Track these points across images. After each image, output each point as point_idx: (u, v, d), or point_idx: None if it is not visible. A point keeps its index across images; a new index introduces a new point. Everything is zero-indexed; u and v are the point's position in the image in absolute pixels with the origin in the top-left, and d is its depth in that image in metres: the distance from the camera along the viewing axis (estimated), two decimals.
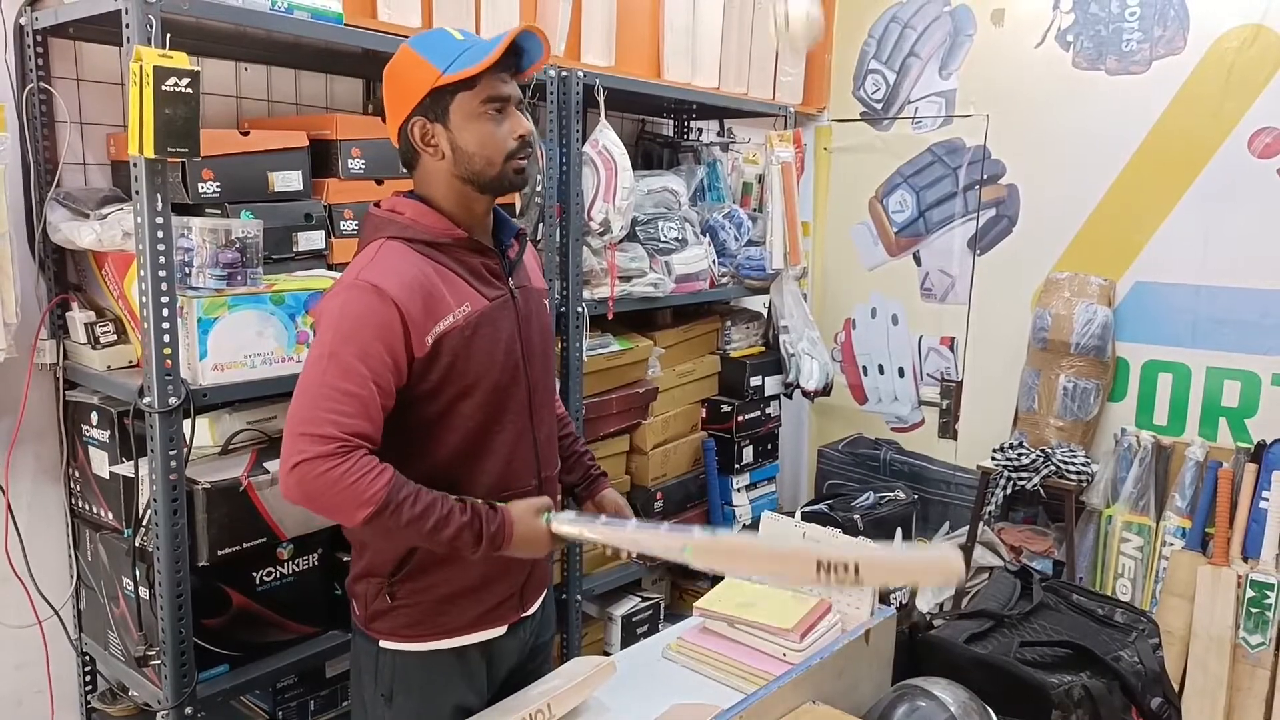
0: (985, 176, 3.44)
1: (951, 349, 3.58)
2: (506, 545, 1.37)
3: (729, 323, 3.18)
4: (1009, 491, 3.03)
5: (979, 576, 3.12)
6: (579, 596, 2.60)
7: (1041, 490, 2.99)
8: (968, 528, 3.17)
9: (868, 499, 2.73)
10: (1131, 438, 3.06)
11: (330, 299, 1.36)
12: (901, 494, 2.85)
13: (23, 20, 1.87)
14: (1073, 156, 3.22)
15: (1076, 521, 3.03)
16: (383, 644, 1.49)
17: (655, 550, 1.39)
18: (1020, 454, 3.03)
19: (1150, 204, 3.09)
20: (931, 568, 1.34)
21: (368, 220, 1.46)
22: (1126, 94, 3.10)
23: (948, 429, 3.60)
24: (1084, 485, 3.00)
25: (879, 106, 3.70)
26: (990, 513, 3.09)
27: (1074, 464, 2.99)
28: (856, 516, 2.57)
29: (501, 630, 1.54)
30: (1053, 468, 2.99)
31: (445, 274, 1.39)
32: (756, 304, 3.37)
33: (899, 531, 2.74)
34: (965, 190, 3.49)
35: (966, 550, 3.11)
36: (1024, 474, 2.99)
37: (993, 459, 3.10)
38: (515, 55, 1.40)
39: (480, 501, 1.37)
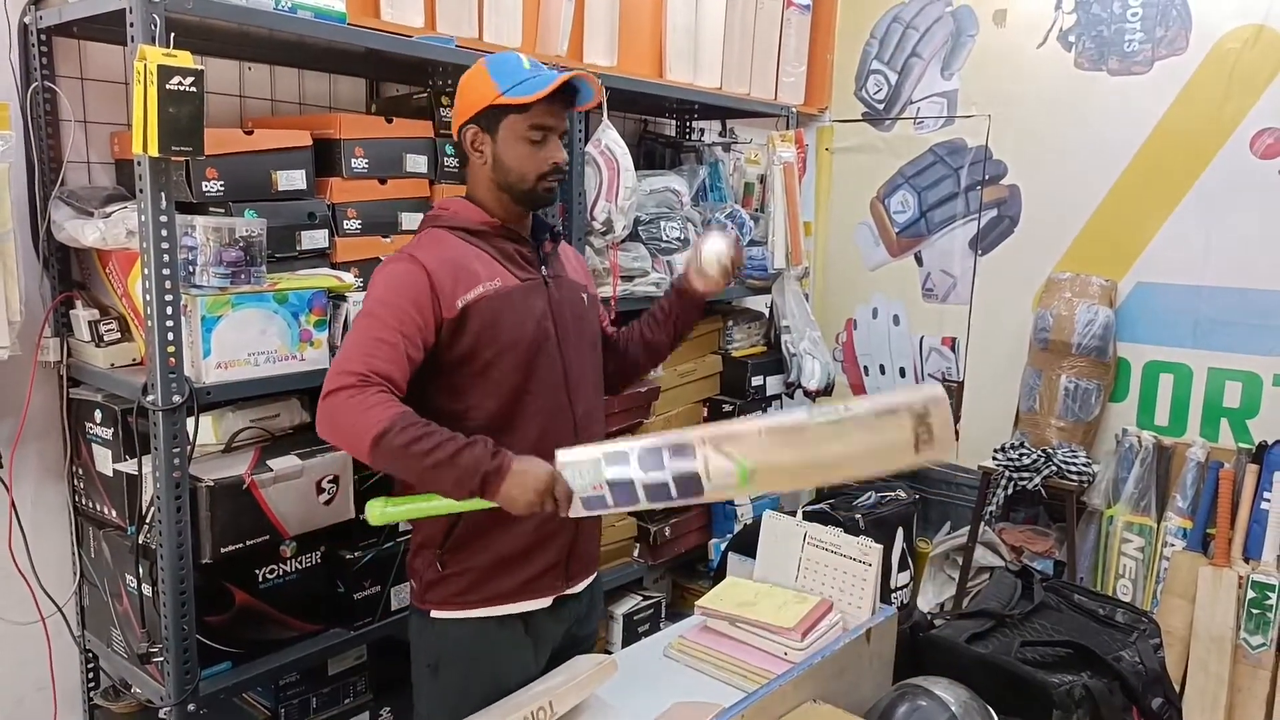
0: (987, 177, 3.44)
1: (953, 349, 3.59)
2: (504, 473, 1.37)
3: (730, 322, 3.18)
4: (1010, 492, 3.03)
5: (980, 577, 3.12)
6: None
7: (1043, 490, 2.99)
8: (969, 528, 3.17)
9: (869, 498, 2.73)
10: (1133, 438, 3.06)
11: (377, 270, 1.57)
12: (903, 494, 2.85)
13: (27, 19, 1.87)
14: (1074, 157, 3.22)
15: (1078, 522, 3.03)
16: (433, 614, 1.62)
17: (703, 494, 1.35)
18: (1021, 454, 3.04)
19: (1152, 205, 3.09)
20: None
21: (424, 217, 1.70)
22: (1128, 94, 3.10)
23: None
24: (1085, 486, 3.00)
25: (881, 107, 3.70)
26: (991, 513, 3.09)
27: (1075, 464, 2.99)
28: (858, 516, 2.57)
29: (546, 602, 1.65)
30: (1054, 468, 2.99)
31: (480, 255, 1.58)
32: (758, 304, 3.37)
33: (900, 531, 2.74)
34: (967, 191, 3.49)
35: (968, 550, 3.12)
36: (1025, 474, 2.99)
37: (994, 459, 3.10)
38: (570, 92, 1.59)
39: (491, 442, 1.42)
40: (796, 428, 1.33)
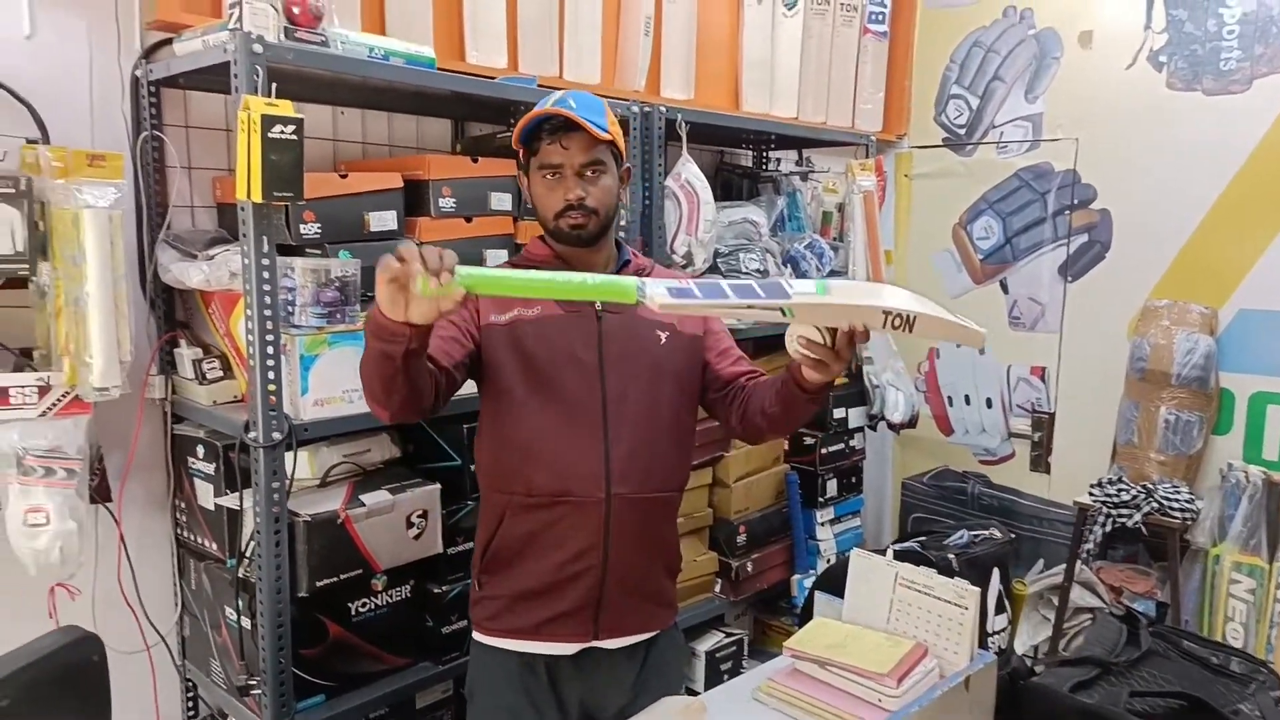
0: (1075, 201, 3.35)
1: (1043, 379, 3.48)
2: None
3: None
4: (1108, 529, 2.91)
5: (1078, 617, 2.99)
6: None
7: (1143, 528, 2.87)
8: (1064, 566, 3.05)
9: (961, 537, 2.64)
10: (1239, 473, 2.91)
11: None
12: (997, 532, 2.74)
13: (138, 72, 1.97)
14: (1168, 179, 3.11)
15: (1181, 561, 2.89)
16: (474, 635, 1.67)
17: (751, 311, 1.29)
18: (1120, 490, 2.91)
19: (1253, 228, 2.96)
20: (967, 336, 1.38)
21: None
22: (1225, 114, 2.99)
23: (1040, 462, 3.49)
24: (1189, 523, 2.86)
25: (962, 132, 3.64)
26: (1089, 551, 2.97)
27: (1177, 500, 2.86)
28: (951, 556, 2.48)
29: (569, 649, 1.61)
30: (1155, 504, 2.86)
31: None
32: None
33: (995, 572, 2.63)
34: (1055, 216, 3.40)
35: (1064, 590, 3.00)
36: (1124, 511, 2.87)
37: (1090, 495, 2.98)
38: (572, 125, 1.53)
39: None
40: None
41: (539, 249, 1.66)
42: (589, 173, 1.57)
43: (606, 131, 1.55)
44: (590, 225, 1.58)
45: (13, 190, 1.65)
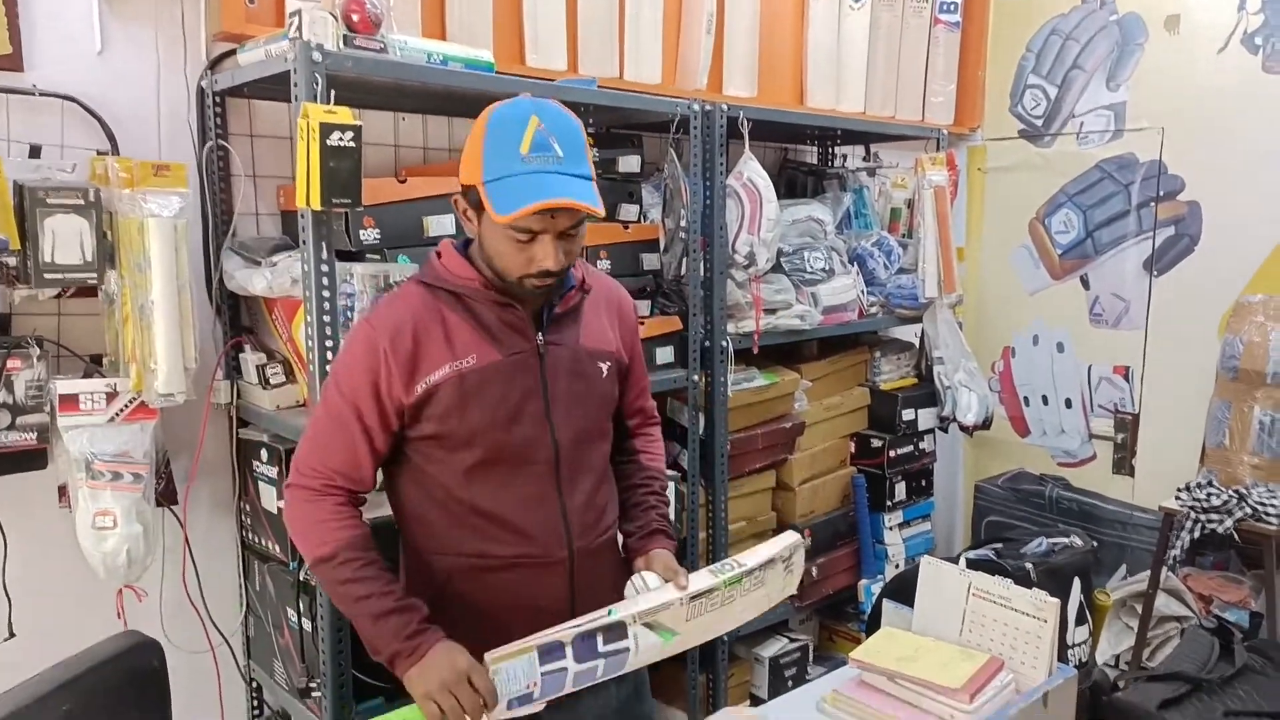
0: (1161, 193, 3.19)
1: (1126, 378, 3.32)
2: (415, 657, 1.31)
3: (878, 354, 3.06)
4: (1196, 535, 2.76)
5: (1163, 626, 2.85)
6: (724, 636, 2.54)
7: (1235, 534, 2.71)
8: (1148, 573, 2.90)
9: (1040, 545, 2.52)
10: None
11: (350, 332, 1.50)
12: (1079, 540, 2.61)
13: (204, 83, 2.01)
14: (1263, 168, 2.94)
15: (1278, 569, 2.72)
16: None
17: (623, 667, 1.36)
18: (1210, 494, 2.76)
19: None
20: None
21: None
22: None
23: (1123, 465, 3.33)
24: None
25: (1039, 123, 3.50)
26: (1175, 558, 2.82)
27: (1274, 506, 2.69)
28: (1028, 565, 2.38)
29: (539, 707, 1.42)
30: (1248, 509, 2.70)
31: (456, 323, 1.40)
32: (906, 334, 3.23)
33: (1077, 582, 2.51)
34: (1139, 208, 3.25)
35: (1148, 598, 2.85)
36: (1214, 516, 2.72)
37: (1177, 499, 2.83)
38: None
39: (425, 619, 1.35)
40: (708, 590, 1.42)
41: (464, 270, 1.41)
42: (570, 232, 1.36)
43: (596, 201, 1.32)
44: (555, 284, 1.40)
45: (82, 201, 1.70)
